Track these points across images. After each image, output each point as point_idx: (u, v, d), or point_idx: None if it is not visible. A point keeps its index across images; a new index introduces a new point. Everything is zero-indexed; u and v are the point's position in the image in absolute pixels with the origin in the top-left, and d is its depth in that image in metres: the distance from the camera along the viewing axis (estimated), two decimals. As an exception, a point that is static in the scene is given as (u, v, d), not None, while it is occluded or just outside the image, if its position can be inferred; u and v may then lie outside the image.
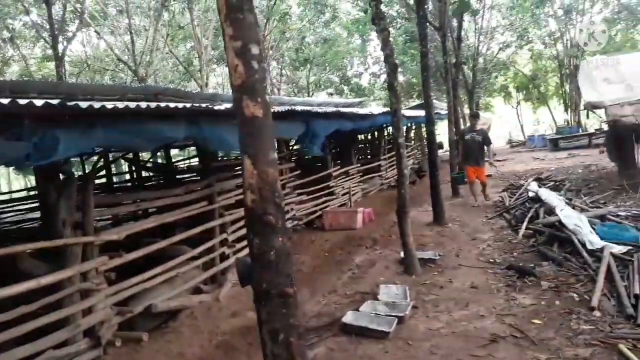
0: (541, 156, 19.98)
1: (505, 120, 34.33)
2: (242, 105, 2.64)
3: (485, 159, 10.26)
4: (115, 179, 11.84)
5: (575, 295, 4.89)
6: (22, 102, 2.46)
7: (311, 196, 9.90)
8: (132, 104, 3.32)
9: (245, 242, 6.94)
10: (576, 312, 4.48)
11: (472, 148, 10.07)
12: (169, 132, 4.04)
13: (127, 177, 13.03)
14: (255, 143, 2.66)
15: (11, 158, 2.82)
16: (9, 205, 10.64)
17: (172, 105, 3.82)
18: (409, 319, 4.70)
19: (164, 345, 4.58)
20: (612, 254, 5.55)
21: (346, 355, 4.15)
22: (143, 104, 3.42)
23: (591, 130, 22.18)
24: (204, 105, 4.44)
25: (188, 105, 3.98)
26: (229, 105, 5.01)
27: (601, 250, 5.74)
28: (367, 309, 4.91)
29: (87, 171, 12.02)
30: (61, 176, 4.28)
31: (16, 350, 3.56)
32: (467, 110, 21.31)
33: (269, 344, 2.70)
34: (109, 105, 3.02)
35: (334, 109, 6.95)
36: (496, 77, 26.34)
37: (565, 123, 26.38)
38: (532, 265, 5.90)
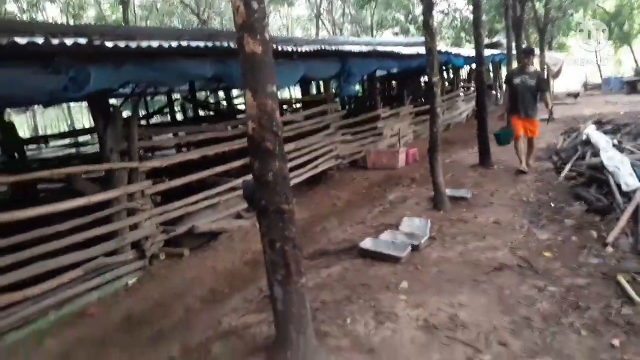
0: (614, 100, 18.82)
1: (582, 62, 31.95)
2: (243, 42, 2.94)
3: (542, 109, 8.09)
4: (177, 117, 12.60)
5: (594, 232, 4.95)
6: (55, 41, 2.91)
7: (356, 136, 10.13)
8: (156, 43, 3.70)
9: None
10: (589, 247, 4.57)
11: (522, 95, 7.81)
12: (196, 70, 4.43)
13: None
14: (255, 77, 2.96)
15: (52, 89, 3.34)
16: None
17: (201, 44, 4.18)
18: (424, 248, 4.99)
19: (201, 260, 5.20)
20: (645, 195, 5.47)
21: (358, 274, 4.54)
22: (168, 43, 3.79)
23: (676, 72, 20.38)
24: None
25: (217, 44, 4.31)
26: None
27: (635, 191, 5.66)
28: (385, 237, 5.24)
29: (149, 110, 12.96)
30: (111, 110, 4.83)
31: (74, 254, 4.26)
32: (536, 50, 20.14)
33: (268, 251, 3.13)
34: (133, 44, 3.42)
35: (370, 47, 7.00)
36: (571, 14, 24.39)
37: (649, 64, 24.29)
38: (562, 205, 5.93)
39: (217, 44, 4.38)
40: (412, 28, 30.90)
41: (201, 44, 4.20)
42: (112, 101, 11.98)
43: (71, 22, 24.39)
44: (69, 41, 2.96)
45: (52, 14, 27.72)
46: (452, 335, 3.25)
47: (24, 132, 23.81)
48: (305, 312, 3.21)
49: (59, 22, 25.65)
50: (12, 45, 2.87)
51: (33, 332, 3.93)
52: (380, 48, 7.11)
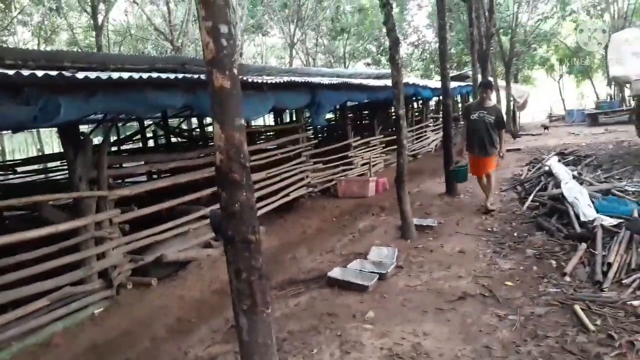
0: (577, 131, 19.57)
1: (546, 94, 33.27)
2: (212, 77, 3.04)
3: (496, 146, 7.47)
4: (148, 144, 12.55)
5: (554, 262, 5.14)
6: (25, 72, 2.96)
7: (328, 165, 10.28)
8: (126, 75, 3.77)
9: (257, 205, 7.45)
10: (549, 276, 4.74)
11: (478, 131, 7.35)
12: (167, 100, 4.50)
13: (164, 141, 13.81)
14: (223, 110, 3.06)
15: (22, 119, 3.36)
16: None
17: (171, 76, 4.27)
18: (390, 277, 5.09)
19: (170, 289, 5.18)
20: (601, 225, 5.71)
21: (326, 303, 4.60)
22: (138, 75, 3.88)
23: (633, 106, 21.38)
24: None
25: (188, 76, 4.42)
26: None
27: (593, 222, 5.90)
28: (354, 266, 5.32)
29: (121, 136, 12.89)
30: (81, 138, 4.84)
31: (39, 283, 4.20)
32: (502, 82, 20.88)
33: (234, 281, 3.17)
34: (104, 75, 3.49)
35: (340, 80, 7.21)
36: (535, 49, 25.48)
37: (609, 97, 25.44)
38: (525, 235, 6.14)
39: (187, 75, 4.49)
40: (383, 59, 31.72)
41: (171, 76, 4.30)
42: (84, 127, 11.90)
43: (42, 47, 24.22)
44: (39, 73, 3.01)
45: (24, 37, 27.44)
46: (414, 364, 3.33)
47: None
48: (271, 342, 3.24)
49: (30, 46, 25.46)
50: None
51: (-8, 365, 3.83)
52: (351, 80, 7.32)
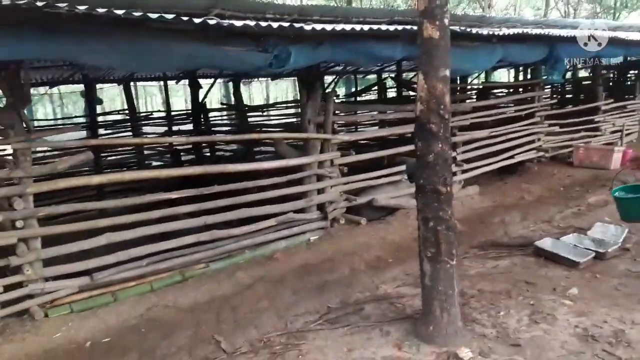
0: None
1: None
2: (422, 27, 3.12)
3: None
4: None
5: None
6: (263, 24, 3.52)
7: (565, 129, 9.26)
8: (349, 26, 4.08)
9: (473, 164, 7.31)
10: None
11: None
12: (386, 52, 4.70)
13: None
14: (429, 61, 3.12)
15: (261, 64, 4.03)
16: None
17: (391, 27, 4.44)
18: (610, 258, 4.52)
19: (375, 230, 5.63)
20: None
21: (527, 271, 4.39)
22: (359, 26, 4.14)
23: None
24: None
25: (407, 27, 4.52)
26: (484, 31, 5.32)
27: None
28: (568, 240, 4.87)
29: (358, 87, 13.83)
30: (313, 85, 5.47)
31: (270, 206, 5.07)
32: None
33: (422, 228, 3.31)
34: (329, 27, 3.87)
35: (587, 32, 6.24)
36: None
37: None
38: None
39: (407, 27, 4.59)
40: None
41: (391, 27, 4.46)
42: (328, 78, 13.10)
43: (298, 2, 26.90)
44: (274, 24, 3.55)
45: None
46: (610, 351, 3.01)
47: (257, 100, 27.33)
48: (452, 293, 3.30)
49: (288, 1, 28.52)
50: (229, 27, 3.59)
51: (231, 265, 4.83)
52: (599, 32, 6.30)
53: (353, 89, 14.85)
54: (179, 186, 5.11)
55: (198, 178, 5.00)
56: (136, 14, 3.22)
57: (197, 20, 3.44)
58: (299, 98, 6.86)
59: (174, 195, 4.53)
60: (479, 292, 4.02)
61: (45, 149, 8.78)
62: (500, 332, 3.36)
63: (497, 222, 5.87)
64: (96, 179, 5.15)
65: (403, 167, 5.77)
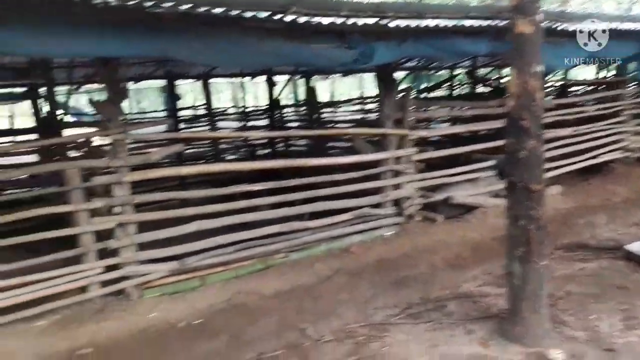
0: None
1: None
2: (514, 23, 3.06)
3: None
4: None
5: None
6: (349, 22, 3.59)
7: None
8: (434, 22, 4.06)
9: (555, 163, 7.01)
10: None
11: None
12: (471, 47, 4.62)
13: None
14: (521, 56, 3.07)
15: (346, 61, 4.10)
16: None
17: (475, 23, 4.36)
18: None
19: (452, 228, 5.56)
20: None
21: (617, 275, 4.18)
22: (444, 22, 4.10)
23: None
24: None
25: (493, 23, 4.43)
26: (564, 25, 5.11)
27: None
28: (661, 245, 4.60)
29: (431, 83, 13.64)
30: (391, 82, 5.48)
31: (346, 201, 5.16)
32: None
33: (511, 226, 3.26)
34: (413, 24, 3.87)
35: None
36: None
37: None
38: None
39: (493, 23, 4.49)
40: None
41: (476, 23, 4.38)
42: (400, 74, 13.02)
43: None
44: (360, 22, 3.61)
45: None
46: None
47: (322, 97, 27.57)
48: (542, 294, 3.23)
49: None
50: (316, 25, 3.69)
51: (308, 256, 4.96)
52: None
53: (422, 86, 14.67)
54: (256, 180, 5.30)
55: (272, 172, 5.18)
56: (232, 12, 3.38)
57: (287, 19, 3.56)
58: (363, 95, 6.87)
59: (257, 187, 4.71)
60: (566, 294, 3.90)
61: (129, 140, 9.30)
62: (592, 335, 3.25)
63: (582, 224, 5.62)
64: (185, 170, 5.44)
65: (492, 163, 5.66)
